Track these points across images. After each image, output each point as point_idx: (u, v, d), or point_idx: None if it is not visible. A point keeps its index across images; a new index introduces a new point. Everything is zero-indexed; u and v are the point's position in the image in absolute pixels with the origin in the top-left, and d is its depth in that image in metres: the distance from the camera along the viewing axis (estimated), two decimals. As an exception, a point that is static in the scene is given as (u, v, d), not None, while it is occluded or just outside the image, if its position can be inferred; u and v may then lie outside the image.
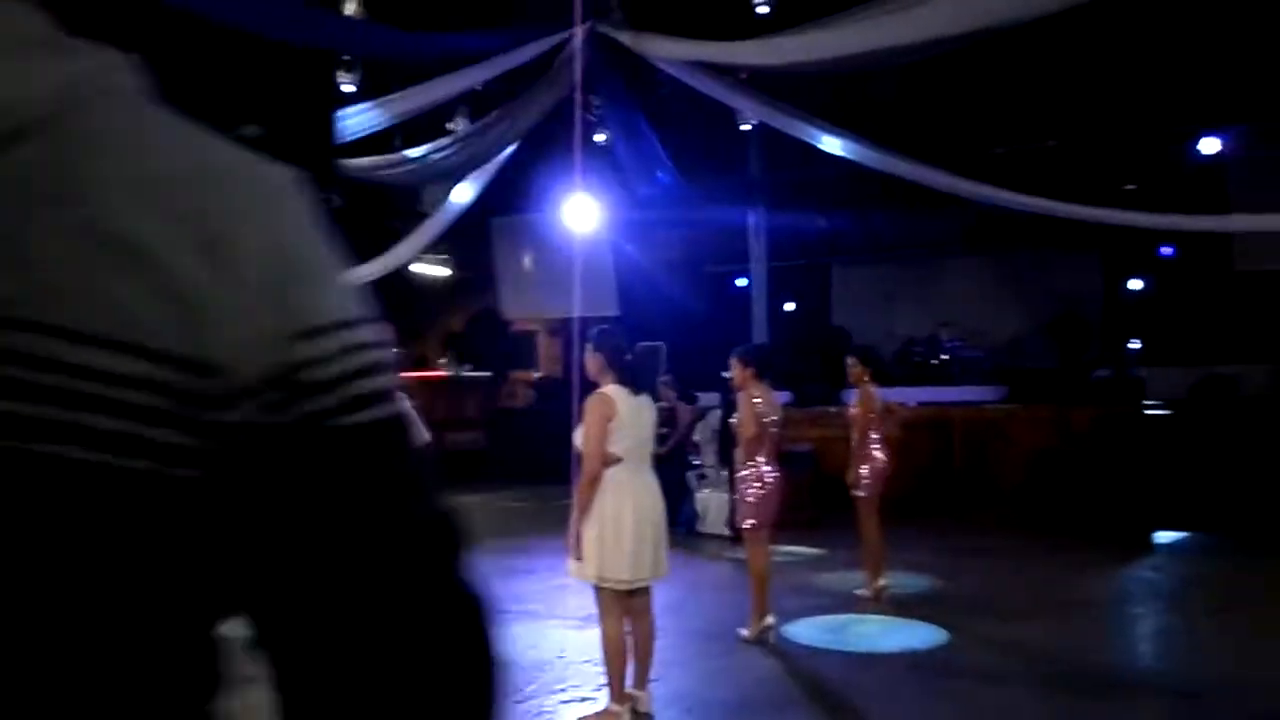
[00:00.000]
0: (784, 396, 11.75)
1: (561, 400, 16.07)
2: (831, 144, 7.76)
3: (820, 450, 11.06)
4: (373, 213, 12.50)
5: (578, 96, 8.04)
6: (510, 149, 8.93)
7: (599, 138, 10.03)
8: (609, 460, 4.57)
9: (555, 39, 7.69)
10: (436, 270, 18.55)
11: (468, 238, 17.26)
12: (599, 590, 4.60)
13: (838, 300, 17.74)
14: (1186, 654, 6.08)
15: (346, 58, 8.26)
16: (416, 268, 18.95)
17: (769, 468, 6.05)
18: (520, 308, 16.65)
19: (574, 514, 4.60)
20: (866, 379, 7.19)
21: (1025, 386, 13.48)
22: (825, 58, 5.80)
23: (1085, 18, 8.97)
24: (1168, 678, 5.34)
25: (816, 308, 17.64)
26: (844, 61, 5.74)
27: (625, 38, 7.15)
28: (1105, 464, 10.95)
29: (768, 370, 6.20)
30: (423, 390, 18.37)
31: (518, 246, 16.28)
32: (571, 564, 4.65)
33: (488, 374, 19.11)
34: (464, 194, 9.51)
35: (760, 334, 12.20)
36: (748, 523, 6.05)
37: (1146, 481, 10.39)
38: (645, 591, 4.75)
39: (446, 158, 8.43)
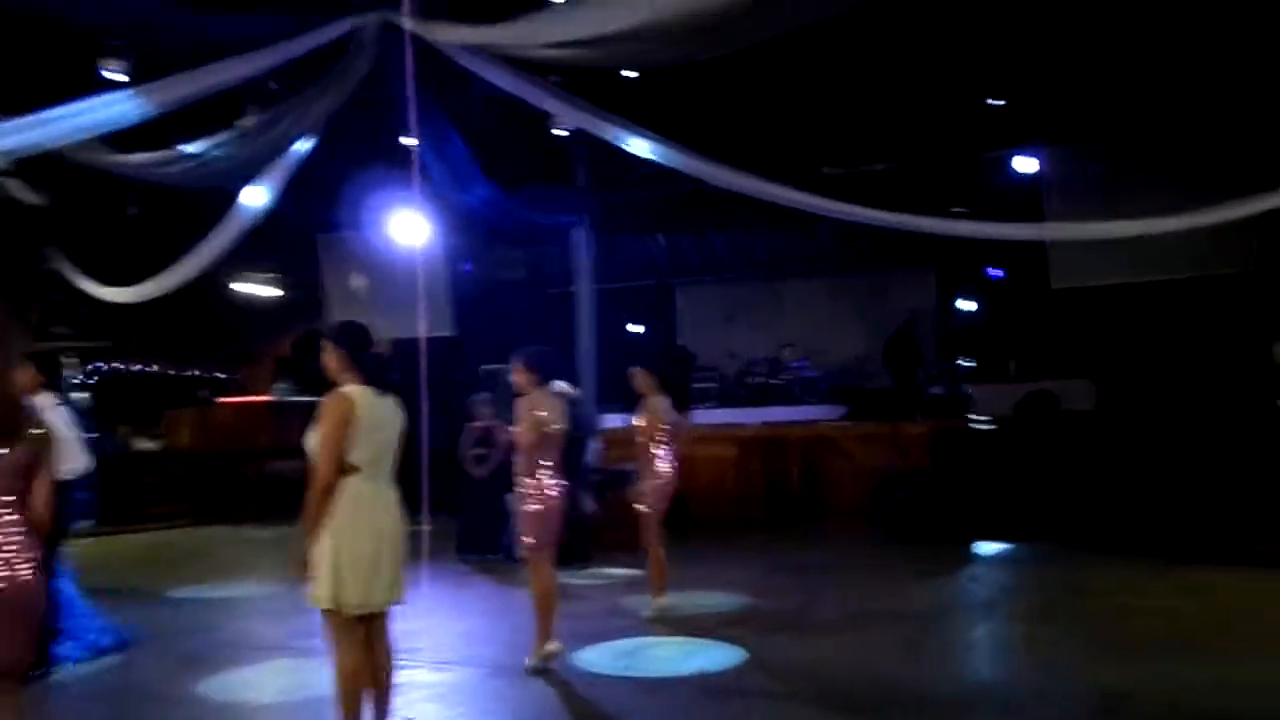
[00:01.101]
0: (616, 419, 11.45)
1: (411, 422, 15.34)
2: (640, 146, 7.43)
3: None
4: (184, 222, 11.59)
5: (411, 97, 7.57)
6: (305, 147, 8.28)
7: (408, 141, 9.49)
8: (346, 469, 4.04)
9: (345, 25, 7.15)
10: (264, 290, 17.57)
11: (297, 255, 16.43)
12: (330, 616, 4.03)
13: (682, 320, 17.58)
14: (986, 663, 5.91)
15: (115, 42, 7.53)
16: (242, 288, 17.92)
17: (552, 481, 5.60)
18: (350, 329, 15.82)
19: (302, 530, 4.03)
20: (652, 391, 6.86)
21: (863, 405, 13.57)
22: (605, 33, 5.45)
23: (904, 38, 9.06)
24: (960, 687, 5.10)
25: (662, 328, 17.43)
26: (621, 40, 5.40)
27: (410, 24, 6.68)
28: (935, 478, 11.01)
29: (552, 375, 5.77)
30: (244, 416, 17.35)
31: (345, 265, 15.53)
32: (304, 589, 4.07)
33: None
34: (257, 197, 8.80)
35: (587, 353, 11.82)
36: (527, 540, 5.57)
37: (973, 494, 10.47)
38: (381, 617, 4.20)
39: (229, 154, 7.75)
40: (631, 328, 17.79)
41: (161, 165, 7.95)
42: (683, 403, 14.36)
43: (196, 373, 18.63)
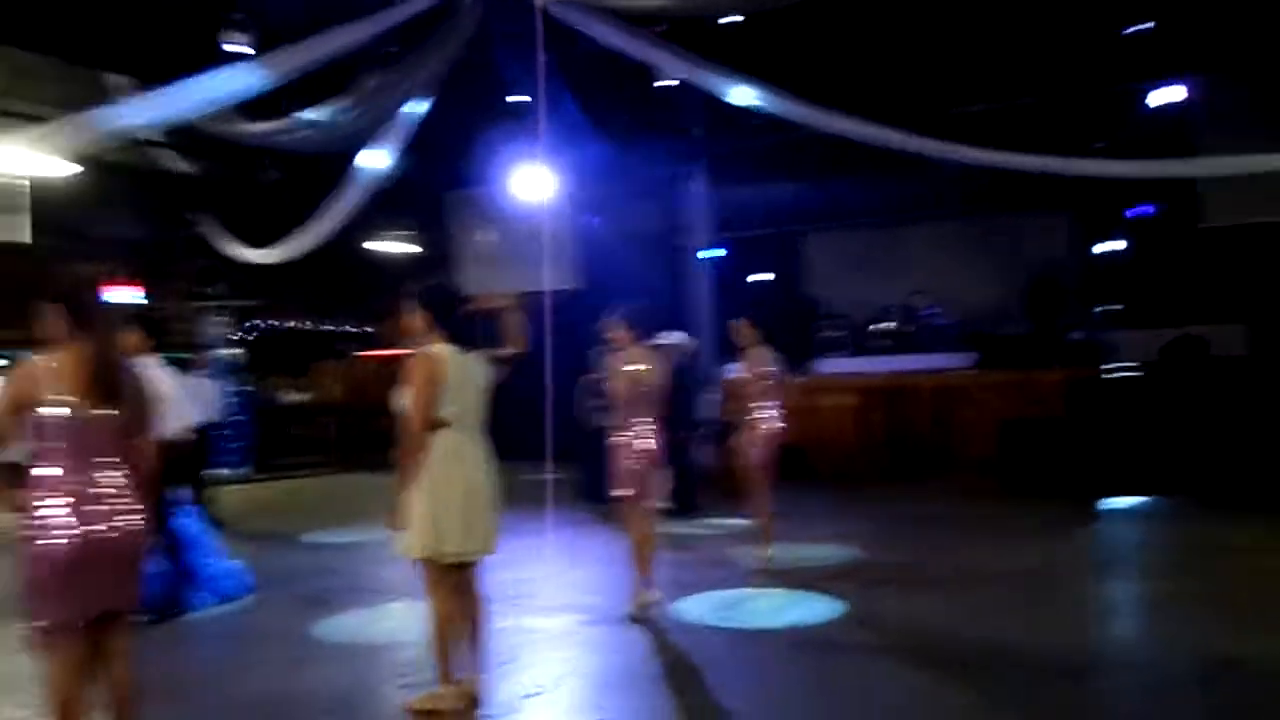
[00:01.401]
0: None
1: (529, 377, 15.72)
2: (743, 95, 7.30)
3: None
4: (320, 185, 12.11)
5: (539, 59, 7.66)
6: (419, 109, 8.48)
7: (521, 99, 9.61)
8: (435, 425, 4.18)
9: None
10: (398, 248, 18.18)
11: (428, 213, 16.94)
12: (425, 565, 4.21)
13: (810, 270, 17.26)
14: (1096, 623, 5.66)
15: (237, 16, 7.88)
16: (378, 246, 18.61)
17: (647, 434, 5.65)
18: (479, 283, 16.22)
19: (396, 484, 4.20)
20: (757, 342, 6.80)
21: (996, 353, 13.07)
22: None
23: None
24: (1064, 648, 4.91)
25: (789, 277, 17.18)
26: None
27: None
28: (1070, 428, 10.56)
29: (648, 329, 5.81)
30: (383, 369, 18.11)
31: (473, 221, 15.88)
32: (396, 539, 4.25)
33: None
34: (376, 160, 9.09)
35: (704, 304, 11.77)
36: (622, 492, 5.65)
37: (1110, 445, 9.99)
38: (474, 566, 4.36)
39: (345, 120, 8.03)
40: (757, 277, 17.62)
41: (284, 133, 8.31)
42: (803, 353, 14.28)
43: (339, 328, 19.53)
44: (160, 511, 5.57)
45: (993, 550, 7.32)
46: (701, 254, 12.92)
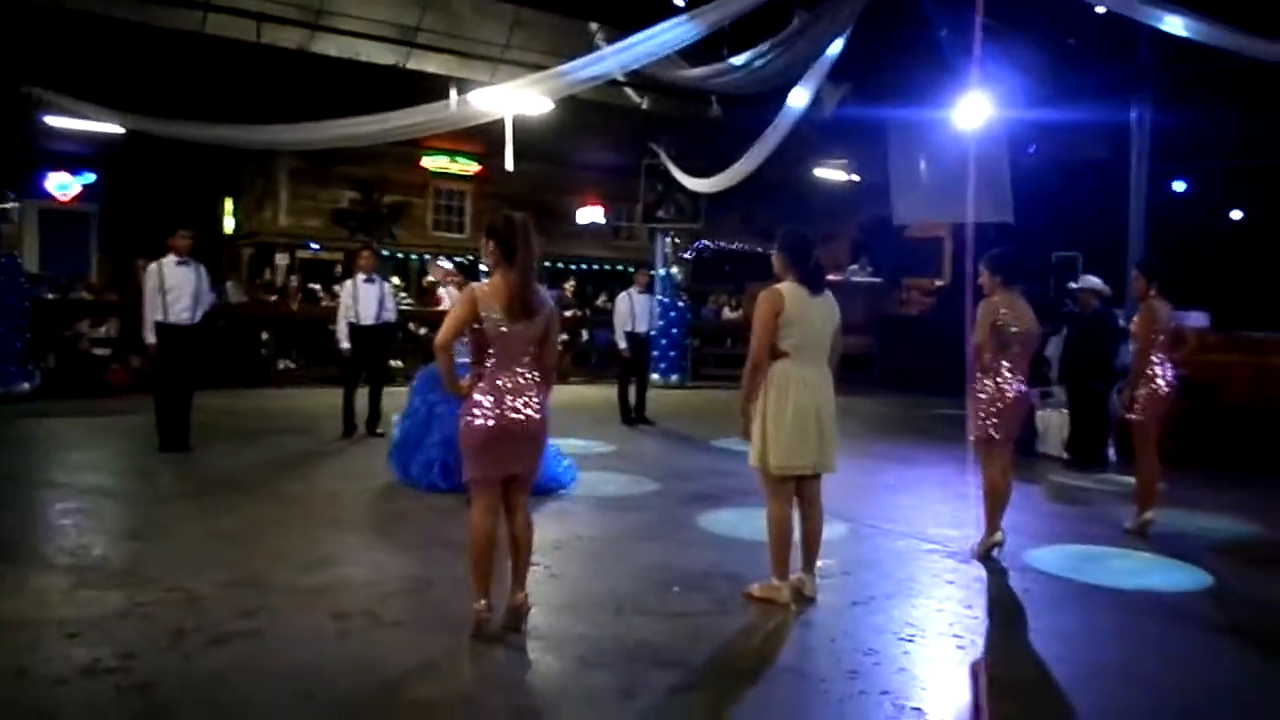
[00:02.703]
0: (1199, 317, 10.55)
1: (953, 311, 15.73)
2: (1176, 24, 6.78)
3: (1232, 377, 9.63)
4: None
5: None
6: (835, 49, 8.89)
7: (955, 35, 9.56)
8: (776, 354, 4.78)
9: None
10: (838, 175, 18.70)
11: (868, 142, 17.21)
12: (761, 474, 4.88)
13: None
14: None
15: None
16: (820, 173, 19.27)
17: (1013, 382, 5.76)
18: (910, 213, 16.25)
19: (741, 401, 4.89)
20: (1151, 294, 6.42)
21: None
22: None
23: None
24: None
25: (1270, 217, 15.11)
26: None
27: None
28: None
29: (1016, 278, 5.84)
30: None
31: (911, 150, 15.80)
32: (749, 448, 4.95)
33: (877, 279, 18.99)
34: (800, 99, 9.64)
35: (1137, 242, 10.93)
36: (980, 434, 5.83)
37: None
38: (813, 481, 4.93)
39: (769, 62, 8.65)
40: (1233, 215, 15.75)
41: (717, 76, 9.17)
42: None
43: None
44: None
45: None
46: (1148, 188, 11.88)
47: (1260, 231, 15.30)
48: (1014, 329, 5.75)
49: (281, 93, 13.29)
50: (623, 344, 11.31)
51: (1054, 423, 9.82)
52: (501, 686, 3.83)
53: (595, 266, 23.74)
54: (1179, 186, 16.23)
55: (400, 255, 21.50)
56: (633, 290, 11.41)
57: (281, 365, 15.13)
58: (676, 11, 8.83)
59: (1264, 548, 6.39)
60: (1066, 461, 9.45)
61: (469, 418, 4.15)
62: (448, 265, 9.26)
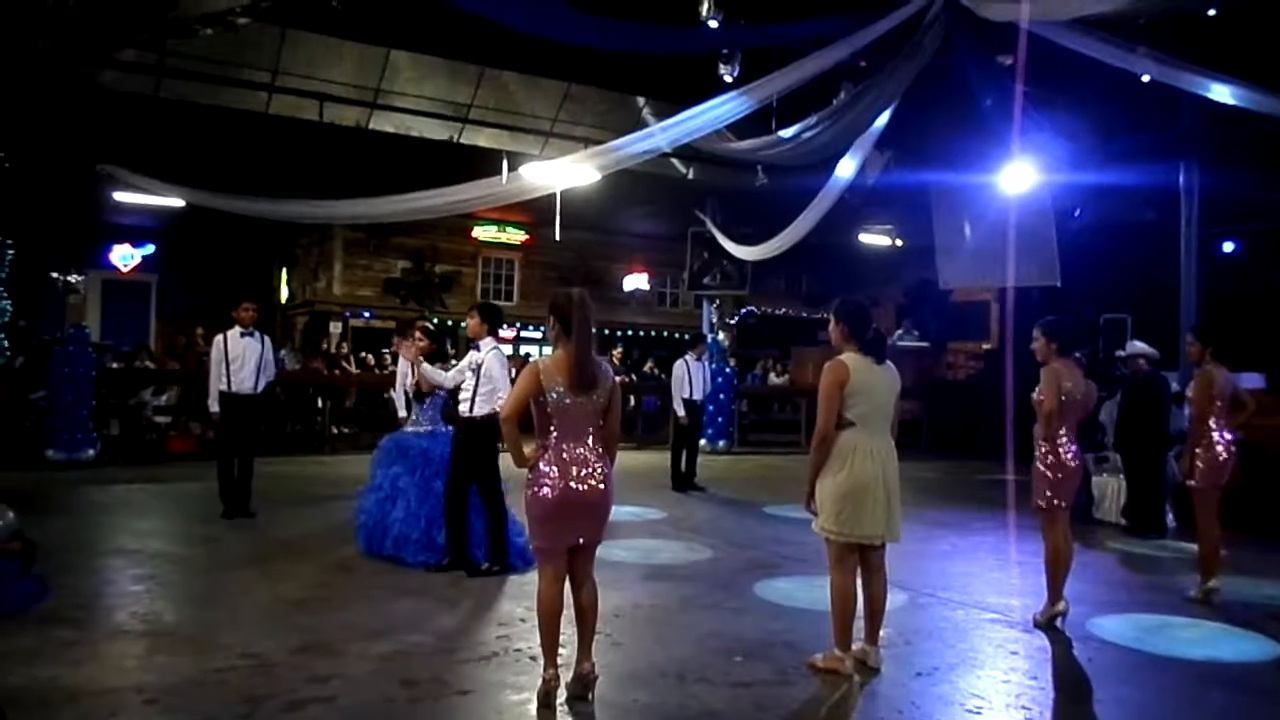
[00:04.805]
0: (1254, 379, 10.46)
1: (999, 376, 15.64)
2: (1222, 93, 6.86)
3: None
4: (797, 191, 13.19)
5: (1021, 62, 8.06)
6: (883, 121, 9.07)
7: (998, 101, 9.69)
8: (842, 423, 4.84)
9: (913, 8, 7.76)
10: (883, 240, 18.81)
11: (913, 207, 17.33)
12: (828, 542, 4.91)
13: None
14: None
15: (725, 51, 9.05)
16: (865, 238, 19.40)
17: (1071, 448, 5.76)
18: (956, 277, 16.27)
19: (809, 471, 4.94)
20: (1207, 358, 6.40)
21: None
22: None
23: None
24: None
25: (1325, 278, 14.96)
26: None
27: (969, 1, 7.02)
28: None
29: (1073, 345, 5.87)
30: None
31: (956, 214, 15.87)
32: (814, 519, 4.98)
33: (925, 344, 18.97)
34: (846, 169, 9.82)
35: (1189, 305, 10.86)
36: (1042, 502, 5.81)
37: None
38: (878, 550, 4.95)
39: (817, 135, 8.84)
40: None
41: (765, 149, 9.37)
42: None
43: (822, 315, 20.68)
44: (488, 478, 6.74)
45: None
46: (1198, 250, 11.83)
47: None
48: (1073, 396, 5.77)
49: (340, 168, 13.76)
50: (681, 411, 11.40)
51: (1110, 489, 9.72)
52: (571, 755, 3.87)
53: (641, 333, 23.96)
54: (1228, 248, 16.14)
55: (450, 323, 21.88)
56: (689, 357, 11.54)
57: (336, 431, 15.39)
58: (725, 86, 9.09)
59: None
60: (1124, 528, 9.33)
61: (534, 489, 4.25)
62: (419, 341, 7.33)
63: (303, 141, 13.75)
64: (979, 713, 4.35)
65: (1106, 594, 6.69)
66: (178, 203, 12.66)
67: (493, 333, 6.90)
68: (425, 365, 7.07)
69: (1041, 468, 5.81)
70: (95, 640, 5.06)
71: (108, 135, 12.57)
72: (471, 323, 6.92)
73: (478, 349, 6.85)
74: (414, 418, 7.37)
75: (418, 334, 7.26)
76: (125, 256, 22.85)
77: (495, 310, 7.11)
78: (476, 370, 6.76)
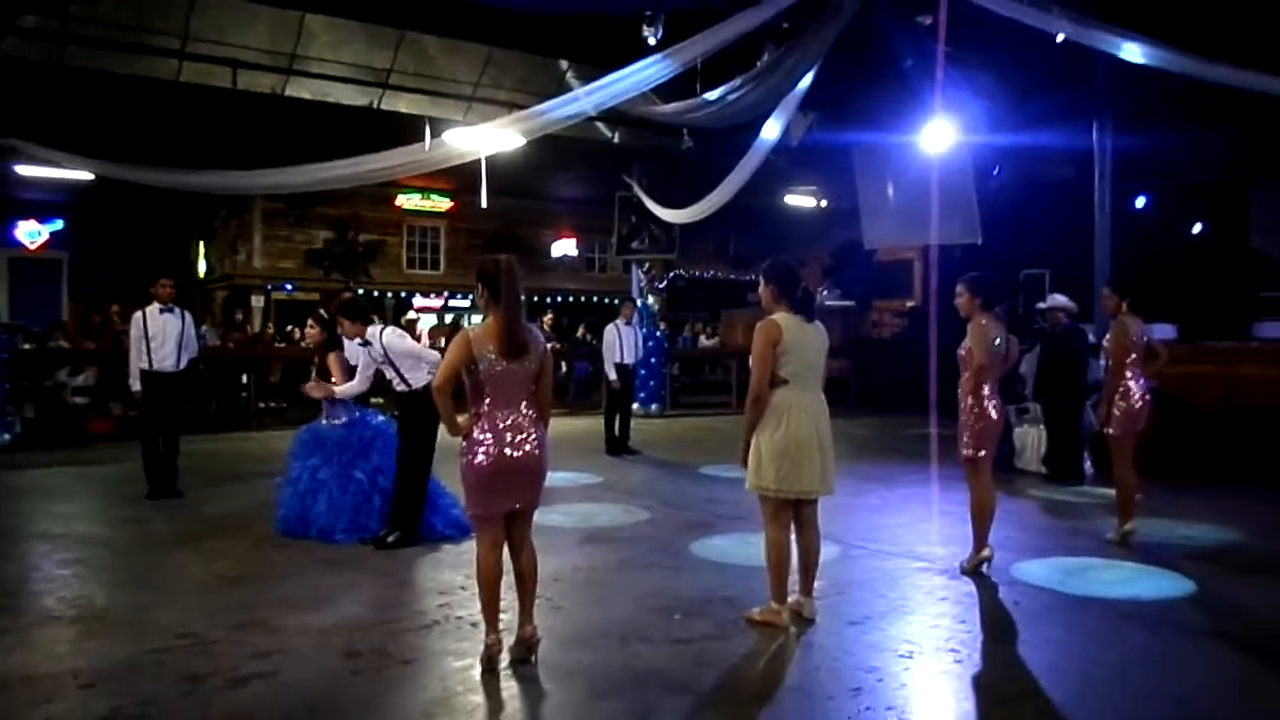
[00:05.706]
0: (1166, 330, 10.83)
1: (922, 332, 15.98)
2: (1132, 52, 7.06)
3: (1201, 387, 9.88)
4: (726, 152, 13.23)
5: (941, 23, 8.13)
6: (805, 83, 9.13)
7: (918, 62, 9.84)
8: (775, 381, 4.92)
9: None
10: (807, 202, 19.00)
11: (836, 169, 17.54)
12: (761, 499, 5.01)
13: (1257, 222, 15.44)
14: None
15: (649, 13, 9.00)
16: (790, 200, 19.57)
17: (993, 400, 5.94)
18: (880, 237, 16.54)
19: (742, 428, 5.02)
20: (1123, 311, 6.65)
21: None
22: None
23: None
24: None
25: (1228, 231, 15.54)
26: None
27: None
28: None
29: (995, 300, 6.03)
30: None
31: (879, 175, 16.11)
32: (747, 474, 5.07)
33: (851, 303, 19.29)
34: (771, 131, 9.88)
35: (1103, 259, 11.21)
36: (968, 453, 5.99)
37: None
38: (811, 505, 5.06)
39: (742, 96, 8.87)
40: (1195, 229, 16.17)
41: (690, 111, 9.37)
42: (1244, 316, 13.00)
43: (750, 278, 20.86)
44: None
45: None
46: (1112, 206, 12.19)
47: (1219, 243, 15.73)
48: (997, 350, 5.94)
49: (256, 137, 13.39)
50: (613, 375, 11.42)
51: (1031, 439, 10.04)
52: (519, 719, 3.90)
53: (570, 299, 23.89)
54: (1140, 203, 16.66)
55: (376, 294, 21.53)
56: (619, 322, 11.53)
57: (262, 406, 15.10)
58: (648, 50, 9.05)
59: (1244, 553, 6.61)
60: (1045, 476, 9.66)
61: (469, 456, 4.24)
62: (311, 329, 7.49)
63: (216, 110, 13.35)
64: (910, 657, 4.50)
65: (1030, 540, 6.94)
66: (86, 176, 12.20)
67: (368, 322, 6.75)
68: (336, 389, 6.91)
69: (967, 419, 5.98)
70: (25, 627, 4.93)
71: (9, 106, 12.05)
72: (343, 328, 6.78)
73: (368, 344, 6.75)
74: (325, 416, 7.17)
75: (309, 323, 7.14)
76: (32, 233, 21.99)
77: (358, 305, 6.92)
78: (385, 359, 6.68)
